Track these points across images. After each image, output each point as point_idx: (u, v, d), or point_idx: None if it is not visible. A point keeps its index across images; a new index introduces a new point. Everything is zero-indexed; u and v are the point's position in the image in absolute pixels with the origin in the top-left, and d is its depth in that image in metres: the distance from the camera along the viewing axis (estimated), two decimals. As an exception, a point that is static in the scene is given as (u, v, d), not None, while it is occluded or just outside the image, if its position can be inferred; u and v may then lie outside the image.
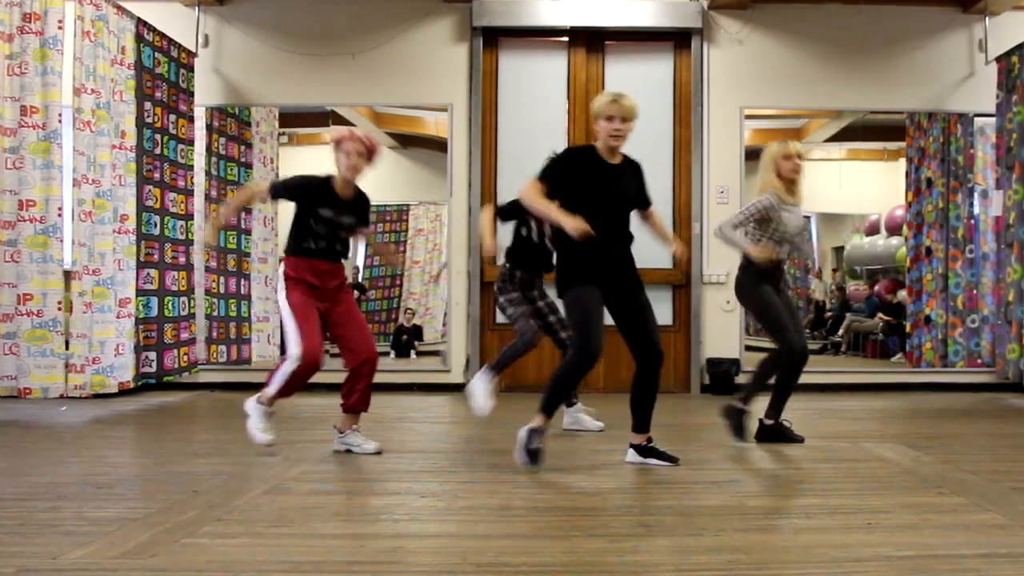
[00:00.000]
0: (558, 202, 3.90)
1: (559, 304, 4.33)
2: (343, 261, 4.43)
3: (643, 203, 4.18)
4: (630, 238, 4.05)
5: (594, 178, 3.95)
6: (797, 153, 4.58)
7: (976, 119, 7.71)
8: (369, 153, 4.29)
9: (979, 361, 7.65)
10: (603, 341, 3.90)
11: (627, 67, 7.68)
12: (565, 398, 4.18)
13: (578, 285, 3.93)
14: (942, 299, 7.68)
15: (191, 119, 7.28)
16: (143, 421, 5.64)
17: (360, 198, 4.44)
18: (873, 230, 10.66)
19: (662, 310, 7.35)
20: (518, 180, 7.43)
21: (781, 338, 4.56)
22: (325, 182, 4.30)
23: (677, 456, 4.07)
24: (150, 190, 6.71)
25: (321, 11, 7.66)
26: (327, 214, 4.25)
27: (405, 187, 9.31)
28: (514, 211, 5.21)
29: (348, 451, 4.39)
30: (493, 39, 7.64)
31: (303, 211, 4.29)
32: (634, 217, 4.14)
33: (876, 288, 10.29)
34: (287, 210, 8.63)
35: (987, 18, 7.54)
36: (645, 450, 4.07)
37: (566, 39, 7.68)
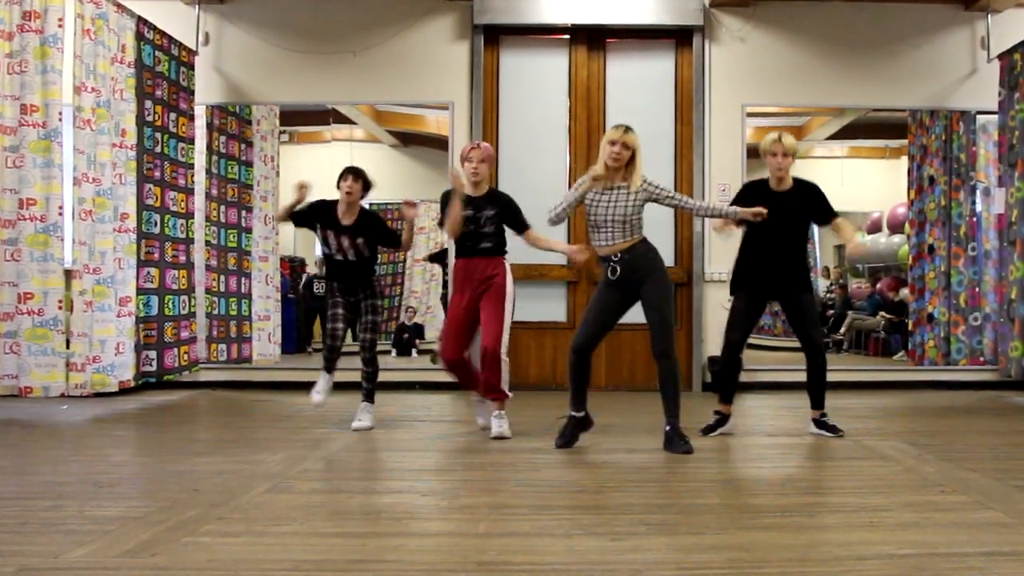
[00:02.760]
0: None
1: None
2: (497, 256, 4.89)
3: (820, 219, 4.91)
4: (795, 253, 4.84)
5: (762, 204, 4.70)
6: (612, 140, 4.44)
7: (978, 116, 7.69)
8: (489, 160, 4.90)
9: (981, 359, 7.63)
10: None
11: (628, 65, 7.66)
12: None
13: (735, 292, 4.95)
14: (944, 297, 7.66)
15: (191, 117, 7.27)
16: (144, 420, 5.64)
17: (493, 195, 4.97)
18: (875, 228, 10.66)
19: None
20: (519, 178, 7.51)
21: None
22: (450, 192, 4.87)
23: (843, 430, 4.81)
24: (150, 188, 6.70)
25: (322, 9, 7.65)
26: (467, 213, 4.82)
27: (406, 185, 9.30)
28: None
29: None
30: (494, 37, 7.62)
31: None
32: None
33: (878, 286, 10.29)
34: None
35: (989, 15, 7.51)
36: (817, 423, 4.90)
37: (567, 37, 7.66)
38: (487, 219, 4.85)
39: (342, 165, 5.26)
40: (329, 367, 5.25)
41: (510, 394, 4.86)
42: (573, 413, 4.57)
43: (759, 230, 4.78)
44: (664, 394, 4.51)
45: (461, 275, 4.93)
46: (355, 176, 5.12)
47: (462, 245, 4.92)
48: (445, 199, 4.91)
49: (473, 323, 4.91)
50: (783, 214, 4.75)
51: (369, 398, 5.18)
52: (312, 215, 5.20)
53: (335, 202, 5.13)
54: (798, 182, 4.87)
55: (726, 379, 5.02)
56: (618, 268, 4.48)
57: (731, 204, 4.90)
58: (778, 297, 4.92)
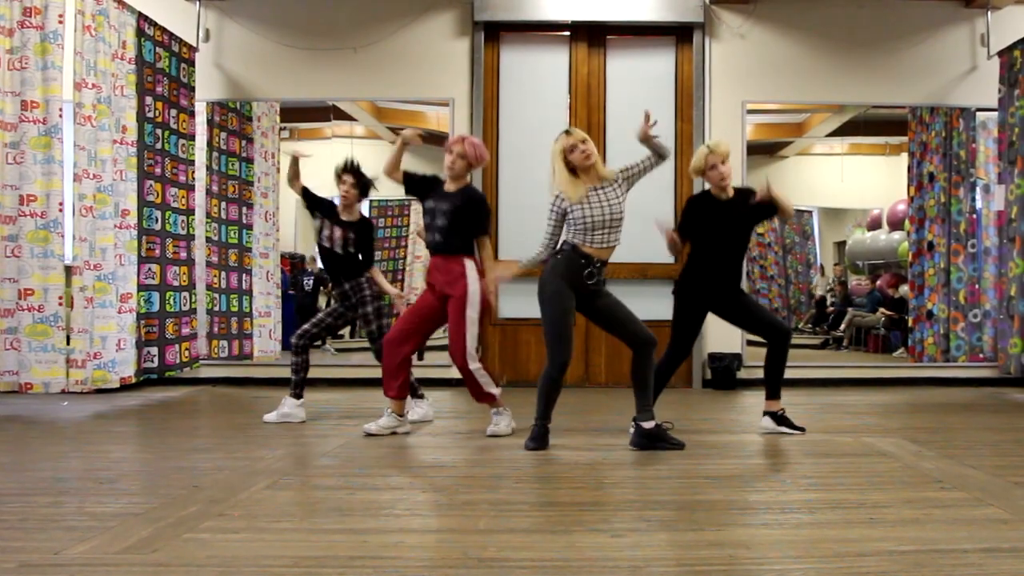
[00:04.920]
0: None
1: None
2: (455, 255, 4.69)
3: (769, 212, 4.80)
4: (738, 261, 4.85)
5: (709, 216, 4.76)
6: (572, 146, 4.33)
7: (978, 113, 7.69)
8: (470, 158, 4.70)
9: (981, 356, 7.64)
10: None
11: (629, 61, 7.66)
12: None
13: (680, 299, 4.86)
14: (944, 294, 7.67)
15: (192, 114, 7.26)
16: (145, 416, 5.64)
17: (466, 192, 4.74)
18: (875, 225, 10.66)
19: (663, 305, 7.30)
20: (520, 174, 7.52)
21: (550, 352, 4.39)
22: (436, 176, 4.81)
23: (804, 427, 4.81)
24: (151, 185, 6.70)
25: (322, 5, 7.64)
26: (429, 204, 4.72)
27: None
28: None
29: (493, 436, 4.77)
30: (495, 33, 7.62)
31: (415, 191, 4.82)
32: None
33: (878, 283, 10.29)
34: (288, 206, 8.63)
35: (989, 12, 7.51)
36: (778, 418, 4.84)
37: (567, 33, 7.66)
38: (441, 213, 4.67)
39: (343, 162, 5.33)
40: (298, 377, 5.27)
41: (497, 391, 4.81)
42: (545, 423, 4.42)
43: (708, 240, 4.77)
44: (646, 385, 4.40)
45: (428, 273, 4.88)
46: (355, 179, 5.25)
47: (429, 242, 4.82)
48: (429, 178, 4.87)
49: (428, 321, 4.81)
50: (730, 223, 4.76)
51: (414, 391, 5.32)
52: (318, 203, 5.39)
53: (335, 202, 5.38)
54: (737, 190, 4.86)
55: (660, 383, 4.77)
56: (595, 274, 4.37)
57: (679, 224, 4.88)
58: (717, 306, 4.84)
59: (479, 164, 4.79)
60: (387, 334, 4.82)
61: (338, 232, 5.24)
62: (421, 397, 5.38)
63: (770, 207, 4.74)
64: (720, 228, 4.75)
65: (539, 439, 4.37)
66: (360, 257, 5.34)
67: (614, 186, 4.41)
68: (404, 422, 4.85)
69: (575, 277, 4.36)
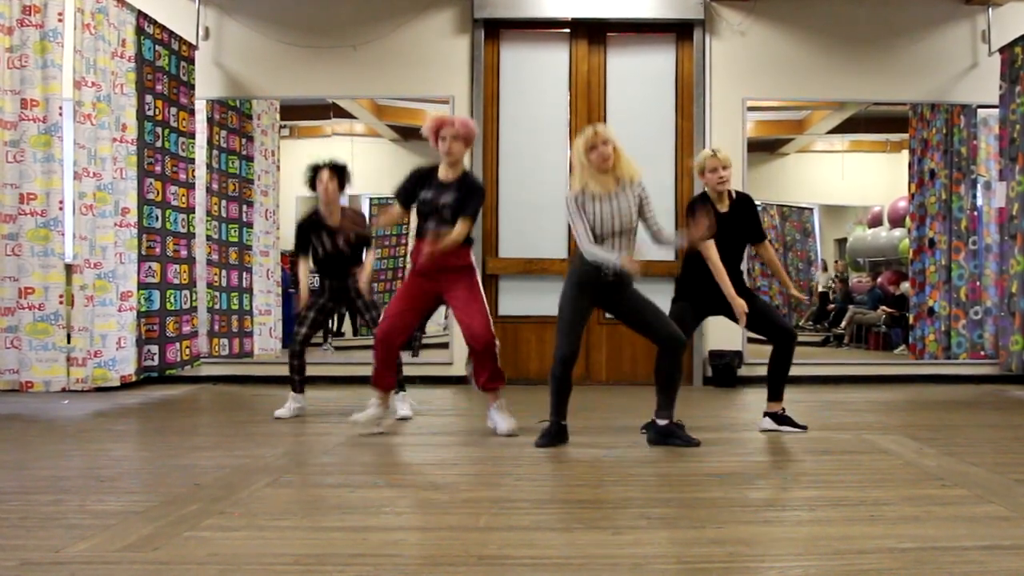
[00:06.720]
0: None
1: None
2: (462, 247, 4.58)
3: (752, 238, 4.81)
4: (737, 269, 4.70)
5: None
6: (592, 145, 4.24)
7: (979, 110, 7.68)
8: (464, 137, 4.55)
9: (982, 353, 7.63)
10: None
11: (629, 59, 7.65)
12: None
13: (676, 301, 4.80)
14: (945, 291, 7.67)
15: (192, 112, 7.26)
16: (145, 414, 5.64)
17: (465, 181, 4.61)
18: (876, 222, 10.66)
19: (664, 303, 7.31)
20: (520, 172, 7.51)
21: (556, 345, 4.35)
22: (430, 169, 4.64)
23: (806, 426, 4.78)
24: (151, 183, 6.70)
25: (322, 3, 7.64)
26: (426, 196, 4.55)
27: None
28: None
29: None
30: (495, 31, 7.61)
31: (415, 201, 4.63)
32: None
33: (879, 280, 10.29)
34: (288, 205, 8.63)
35: (990, 9, 7.50)
36: (778, 418, 4.80)
37: (568, 31, 7.65)
38: (444, 206, 4.52)
39: (342, 160, 5.33)
40: (298, 378, 5.36)
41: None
42: (559, 420, 4.40)
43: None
44: (669, 383, 4.38)
45: (416, 256, 4.61)
46: (331, 173, 5.17)
47: (424, 228, 4.61)
48: (414, 176, 4.69)
49: (422, 311, 4.73)
50: (727, 234, 4.63)
51: (400, 386, 5.26)
52: (306, 235, 5.30)
53: (316, 211, 5.27)
54: (737, 197, 4.79)
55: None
56: (609, 274, 4.30)
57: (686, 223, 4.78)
58: (724, 311, 4.71)
59: (472, 139, 4.64)
60: (381, 328, 4.65)
61: (340, 239, 5.25)
62: (404, 391, 5.35)
63: (755, 233, 4.80)
64: (716, 239, 4.56)
65: (548, 436, 4.37)
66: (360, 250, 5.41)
67: (628, 193, 4.31)
68: (388, 415, 4.79)
69: (591, 277, 4.32)
